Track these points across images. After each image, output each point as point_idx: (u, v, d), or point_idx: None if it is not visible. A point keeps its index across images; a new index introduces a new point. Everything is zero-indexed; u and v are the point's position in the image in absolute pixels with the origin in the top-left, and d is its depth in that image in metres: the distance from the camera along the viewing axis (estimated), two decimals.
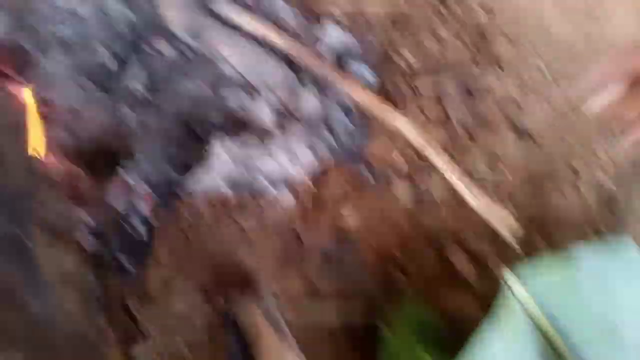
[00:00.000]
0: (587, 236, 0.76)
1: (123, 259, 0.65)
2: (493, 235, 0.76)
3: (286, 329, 0.62)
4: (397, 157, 0.80)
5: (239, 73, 0.78)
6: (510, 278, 0.60)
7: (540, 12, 0.89)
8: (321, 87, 0.79)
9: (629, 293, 0.64)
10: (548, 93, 0.86)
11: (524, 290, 0.61)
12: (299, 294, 0.68)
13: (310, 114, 0.80)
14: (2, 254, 0.55)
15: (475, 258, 0.73)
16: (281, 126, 0.77)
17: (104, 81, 0.77)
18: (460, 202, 0.77)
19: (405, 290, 0.70)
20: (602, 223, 0.77)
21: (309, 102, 0.79)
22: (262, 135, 0.77)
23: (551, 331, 0.59)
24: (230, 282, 0.65)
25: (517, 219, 0.77)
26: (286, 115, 0.78)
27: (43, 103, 0.72)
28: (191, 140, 0.80)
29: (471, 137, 0.83)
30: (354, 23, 0.87)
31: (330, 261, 0.72)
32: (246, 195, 0.74)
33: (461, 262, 0.73)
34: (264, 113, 0.77)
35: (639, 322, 0.63)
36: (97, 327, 0.61)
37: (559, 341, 0.58)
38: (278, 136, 0.77)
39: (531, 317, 0.60)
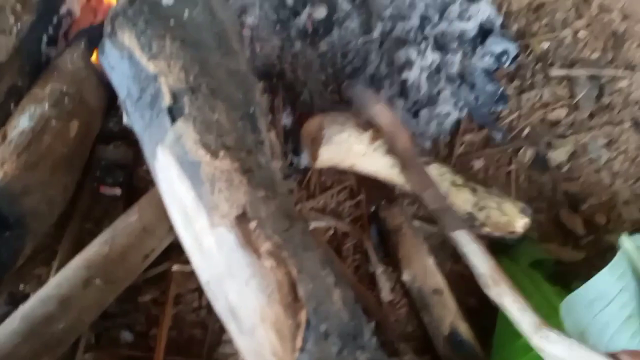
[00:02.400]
0: None
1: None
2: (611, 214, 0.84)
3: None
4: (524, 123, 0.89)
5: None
6: (625, 240, 0.67)
7: None
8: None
9: None
10: None
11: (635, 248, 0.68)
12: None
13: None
14: None
15: (588, 222, 0.81)
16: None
17: (282, 14, 0.91)
18: (579, 168, 0.86)
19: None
20: None
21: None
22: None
23: None
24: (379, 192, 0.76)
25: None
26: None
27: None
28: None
29: (592, 120, 0.91)
30: (500, 5, 0.98)
31: None
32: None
33: (574, 223, 0.80)
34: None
35: None
36: None
37: None
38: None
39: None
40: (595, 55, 0.98)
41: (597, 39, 0.98)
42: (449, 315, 0.64)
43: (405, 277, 0.67)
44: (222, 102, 0.53)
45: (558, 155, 0.87)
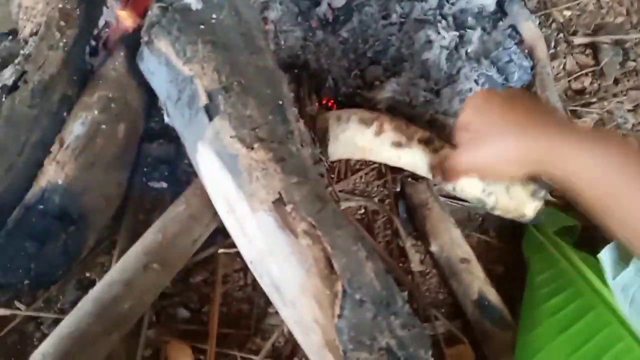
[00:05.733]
0: None
1: None
2: None
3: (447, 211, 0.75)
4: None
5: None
6: None
7: None
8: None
9: None
10: None
11: None
12: None
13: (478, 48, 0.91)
14: None
15: None
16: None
17: (303, 5, 0.95)
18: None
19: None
20: None
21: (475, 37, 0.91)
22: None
23: None
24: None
25: None
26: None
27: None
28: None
29: (617, 85, 0.91)
30: None
31: None
32: None
33: None
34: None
35: None
36: None
37: None
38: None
39: None
40: (618, 20, 0.97)
41: (621, 4, 0.97)
42: (476, 281, 0.68)
43: (434, 247, 0.71)
44: (253, 98, 0.58)
45: (583, 123, 0.88)
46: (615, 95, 0.91)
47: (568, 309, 0.64)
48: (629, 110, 0.90)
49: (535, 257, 0.71)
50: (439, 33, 0.90)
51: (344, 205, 0.77)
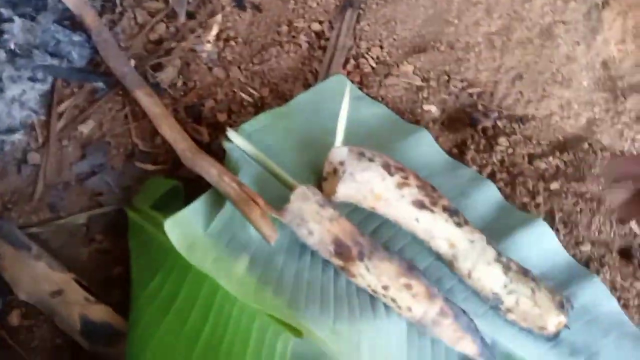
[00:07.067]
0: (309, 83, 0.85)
1: None
2: (232, 106, 0.84)
3: (30, 243, 0.65)
4: None
5: None
6: (231, 133, 0.68)
7: None
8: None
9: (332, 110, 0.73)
10: None
11: (240, 139, 0.68)
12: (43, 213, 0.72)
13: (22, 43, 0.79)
14: None
15: (214, 128, 0.80)
16: None
17: None
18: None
19: (153, 174, 0.75)
20: (316, 62, 0.87)
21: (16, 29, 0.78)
22: None
23: (268, 162, 0.68)
24: None
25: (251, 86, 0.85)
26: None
27: None
28: None
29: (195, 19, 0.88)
30: None
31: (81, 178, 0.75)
32: None
33: (201, 133, 0.79)
34: None
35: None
36: None
37: (276, 169, 0.67)
38: None
39: (251, 157, 0.68)
40: None
41: None
42: (75, 308, 0.60)
43: (23, 297, 0.61)
44: None
45: (167, 74, 0.83)
46: (193, 31, 0.88)
47: (166, 286, 0.60)
48: (208, 42, 0.87)
49: (134, 242, 0.66)
50: None
51: None
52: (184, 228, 0.58)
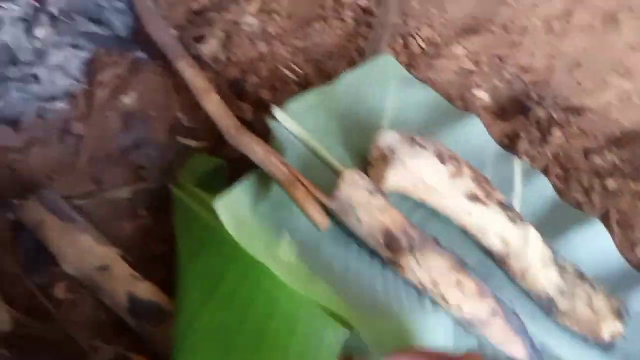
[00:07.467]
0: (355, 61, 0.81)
1: None
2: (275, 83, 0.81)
3: (75, 215, 0.65)
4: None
5: None
6: (276, 111, 0.66)
7: None
8: None
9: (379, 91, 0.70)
10: None
11: (288, 118, 0.66)
12: (86, 185, 0.71)
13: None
14: None
15: (258, 105, 0.78)
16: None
17: None
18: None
19: (196, 150, 0.74)
20: (361, 39, 0.83)
21: None
22: None
23: (315, 144, 0.66)
24: (8, 191, 0.67)
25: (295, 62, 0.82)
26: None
27: None
28: None
29: None
30: None
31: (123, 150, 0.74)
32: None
33: (244, 110, 0.77)
34: None
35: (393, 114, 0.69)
36: None
37: (323, 152, 0.65)
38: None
39: (297, 138, 0.66)
40: None
41: None
42: (121, 285, 0.59)
43: (66, 268, 0.62)
44: None
45: (209, 46, 0.81)
46: (235, 2, 0.84)
47: (212, 266, 0.59)
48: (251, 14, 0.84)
49: (179, 220, 0.65)
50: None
51: None
52: (234, 208, 0.57)
